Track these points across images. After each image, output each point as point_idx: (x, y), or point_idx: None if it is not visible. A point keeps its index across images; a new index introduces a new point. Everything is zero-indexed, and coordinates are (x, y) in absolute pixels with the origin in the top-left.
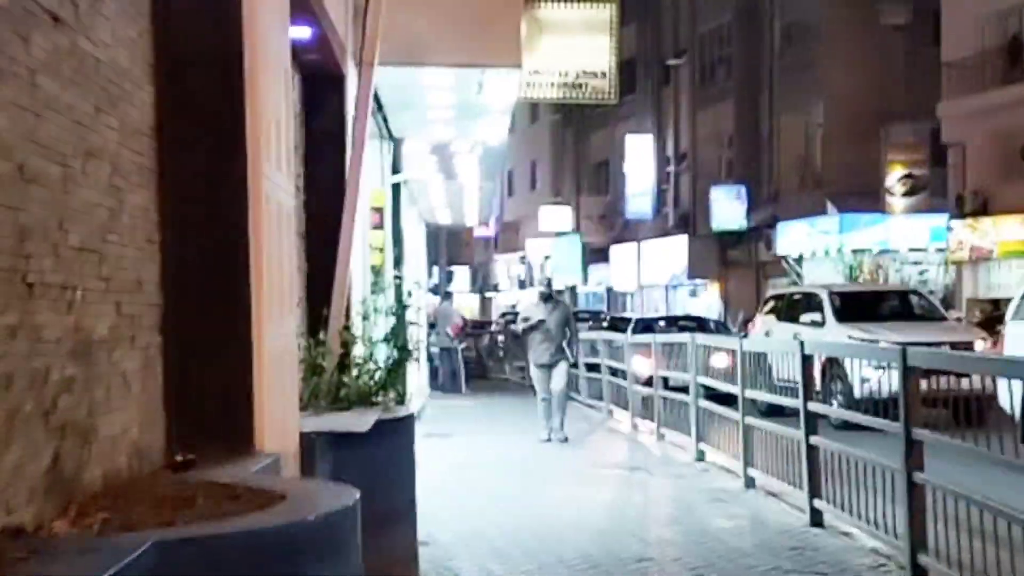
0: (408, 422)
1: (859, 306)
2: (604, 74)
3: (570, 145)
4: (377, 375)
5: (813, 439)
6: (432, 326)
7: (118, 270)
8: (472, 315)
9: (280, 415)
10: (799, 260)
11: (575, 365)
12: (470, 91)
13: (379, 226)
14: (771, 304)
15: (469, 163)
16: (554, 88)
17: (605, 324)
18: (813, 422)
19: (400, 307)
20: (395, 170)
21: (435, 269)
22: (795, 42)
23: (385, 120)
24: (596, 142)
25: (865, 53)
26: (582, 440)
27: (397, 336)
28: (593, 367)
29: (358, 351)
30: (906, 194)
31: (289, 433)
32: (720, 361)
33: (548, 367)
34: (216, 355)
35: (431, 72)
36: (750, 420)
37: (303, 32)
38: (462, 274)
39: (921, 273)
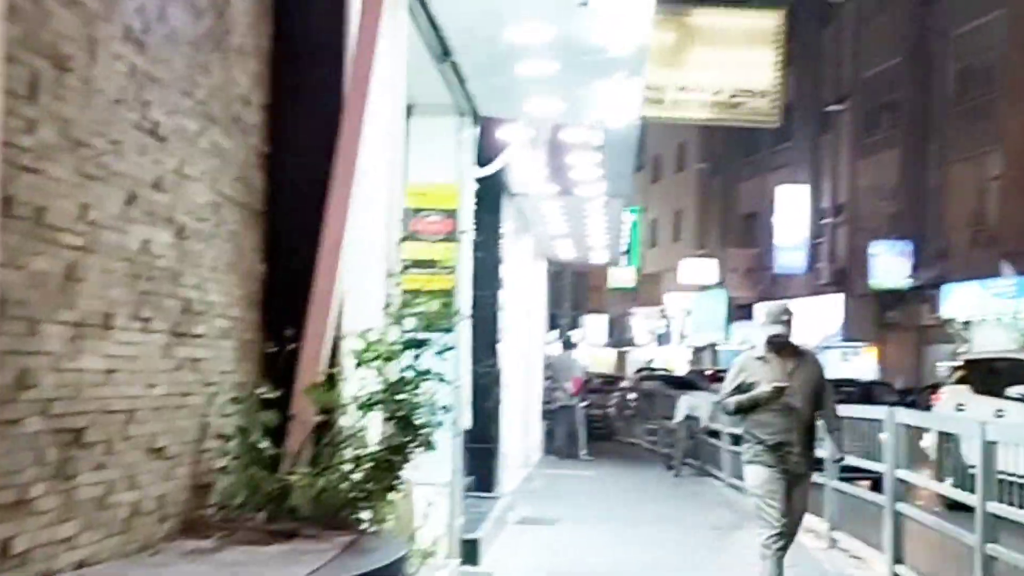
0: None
1: None
2: (766, 93)
3: (718, 195)
4: (362, 469)
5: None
6: (549, 379)
7: None
8: (608, 369)
9: None
10: (966, 325)
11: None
12: (571, 18)
13: (451, 236)
14: (964, 371)
15: (588, 161)
16: (705, 107)
17: None
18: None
19: (412, 345)
20: (482, 162)
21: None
22: (971, 87)
23: (461, 81)
24: (746, 192)
25: None
26: (731, 538)
27: (397, 399)
28: (737, 439)
29: (348, 421)
30: None
31: None
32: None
33: (787, 474)
34: None
35: None
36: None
37: None
38: (597, 324)
39: None
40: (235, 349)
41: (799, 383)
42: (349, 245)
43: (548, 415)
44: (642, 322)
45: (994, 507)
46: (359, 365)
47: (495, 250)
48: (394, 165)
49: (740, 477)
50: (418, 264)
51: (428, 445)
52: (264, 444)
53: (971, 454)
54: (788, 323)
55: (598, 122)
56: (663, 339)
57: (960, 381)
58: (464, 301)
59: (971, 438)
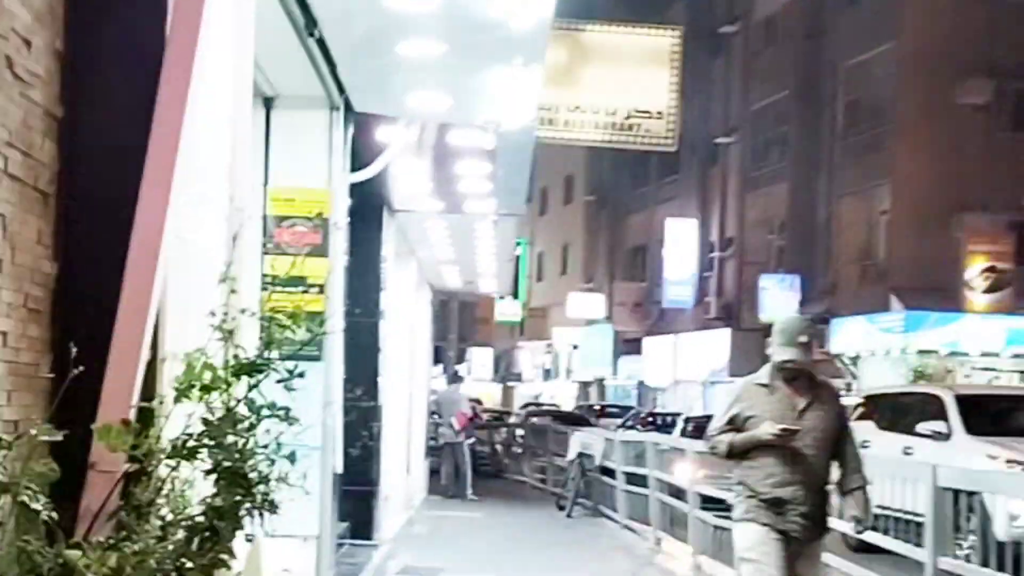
0: None
1: (995, 414)
2: (662, 114)
3: (605, 228)
4: (174, 540)
5: None
6: (434, 415)
7: None
8: (494, 404)
9: None
10: (855, 360)
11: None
12: None
13: (320, 249)
14: (867, 407)
15: (478, 173)
16: (599, 129)
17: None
18: None
19: (247, 371)
20: (358, 167)
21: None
22: (860, 121)
23: (331, 64)
24: (634, 225)
25: (938, 135)
26: None
27: (223, 445)
28: (632, 478)
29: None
30: (988, 290)
31: None
32: None
33: (788, 539)
34: None
35: None
36: None
37: None
38: (482, 358)
39: (990, 381)
40: (6, 375)
41: (812, 424)
42: (174, 246)
43: (433, 452)
44: (528, 356)
45: (948, 563)
46: (179, 398)
47: (375, 274)
48: (239, 157)
49: (636, 519)
50: (281, 282)
51: (269, 506)
52: (40, 504)
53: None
54: (807, 347)
55: (490, 122)
56: (550, 374)
57: (863, 417)
58: (336, 326)
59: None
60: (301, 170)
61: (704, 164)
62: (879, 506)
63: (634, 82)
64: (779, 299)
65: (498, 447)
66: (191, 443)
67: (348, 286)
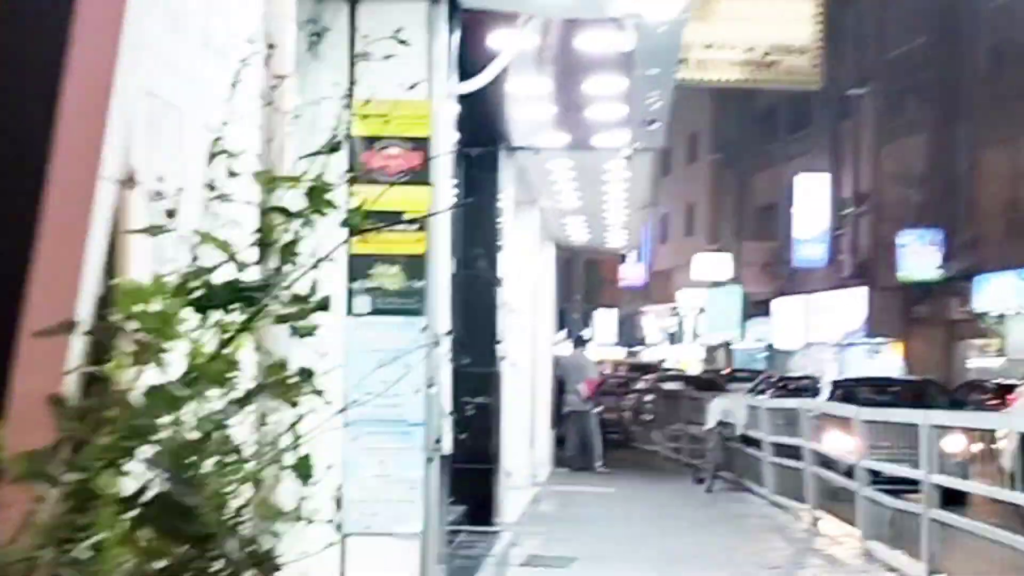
0: None
1: None
2: (805, 50)
3: (732, 187)
4: None
5: None
6: (561, 382)
7: None
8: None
9: None
10: (1000, 319)
11: None
12: None
13: (421, 176)
14: None
15: (612, 90)
16: (736, 67)
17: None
18: None
19: (215, 300)
20: (465, 74)
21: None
22: (1006, 65)
23: None
24: (761, 183)
25: None
26: None
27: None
28: (781, 449)
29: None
30: None
31: None
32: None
33: None
34: None
35: None
36: None
37: None
38: (607, 321)
39: None
40: None
41: None
42: (141, 106)
43: (558, 422)
44: (654, 320)
45: None
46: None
47: (492, 223)
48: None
49: (786, 494)
50: (373, 215)
51: (267, 567)
52: None
53: None
54: None
55: (629, 15)
56: (675, 338)
57: None
58: (442, 272)
59: None
60: (395, 80)
61: (836, 117)
62: None
63: (774, 14)
64: (919, 255)
65: (626, 415)
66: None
67: (462, 236)
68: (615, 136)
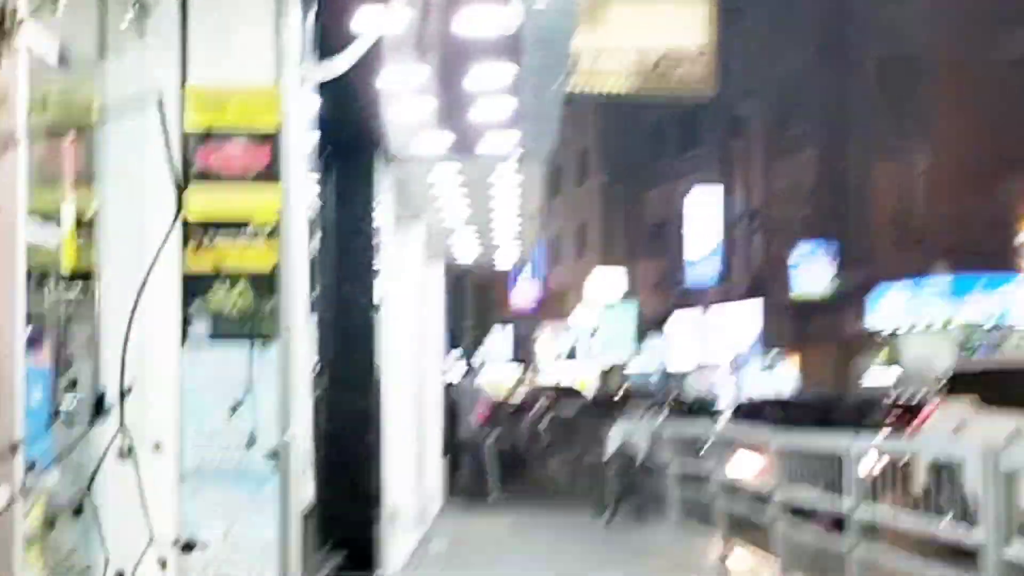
0: None
1: None
2: (697, 58)
3: (623, 205)
4: None
5: None
6: (453, 409)
7: None
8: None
9: None
10: (893, 335)
11: None
12: None
13: (269, 174)
14: (966, 381)
15: (496, 87)
16: (628, 77)
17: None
18: None
19: None
20: (324, 53)
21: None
22: (892, 79)
23: None
24: (653, 201)
25: (978, 88)
26: None
27: None
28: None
29: None
30: None
31: None
32: None
33: None
34: None
35: None
36: None
37: None
38: (502, 337)
39: None
40: None
41: None
42: None
43: (452, 450)
44: (548, 340)
45: None
46: None
47: (367, 238)
48: None
49: (692, 523)
50: (213, 224)
51: None
52: None
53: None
54: None
55: None
56: (570, 357)
57: (955, 392)
58: (297, 290)
59: None
60: (236, 62)
61: (725, 133)
62: None
63: (665, 20)
64: (812, 270)
65: (522, 441)
66: None
67: (333, 255)
68: (503, 138)
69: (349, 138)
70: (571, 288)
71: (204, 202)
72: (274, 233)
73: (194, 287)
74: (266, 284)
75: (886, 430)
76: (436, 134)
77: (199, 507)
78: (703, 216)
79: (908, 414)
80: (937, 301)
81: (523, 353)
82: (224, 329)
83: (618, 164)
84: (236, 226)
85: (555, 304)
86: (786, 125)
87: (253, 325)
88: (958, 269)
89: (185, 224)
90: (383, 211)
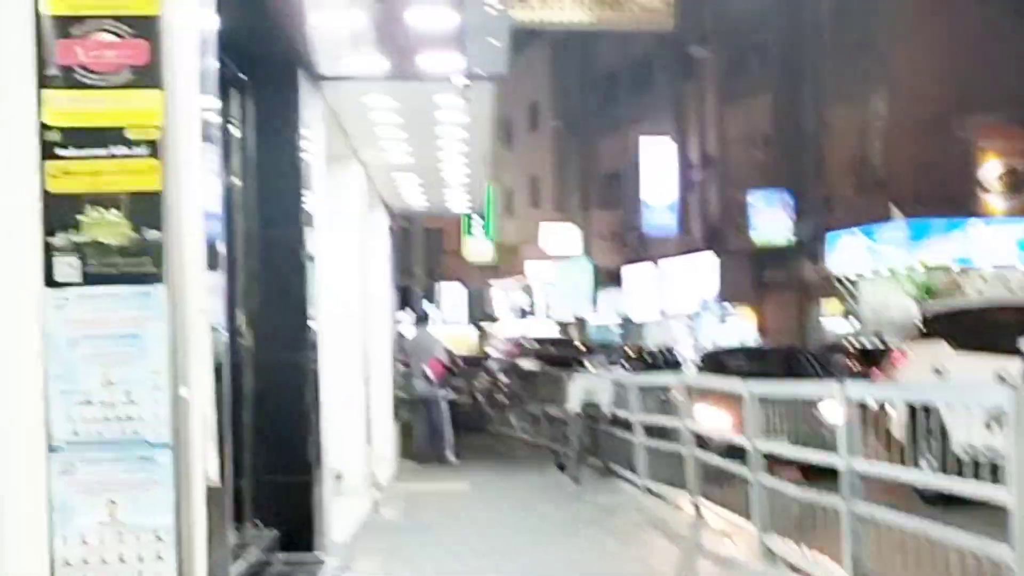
0: None
1: None
2: None
3: (576, 155)
4: None
5: None
6: (406, 366)
7: None
8: (469, 351)
9: None
10: (854, 282)
11: None
12: None
13: (149, 74)
14: (940, 324)
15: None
16: (582, 8)
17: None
18: None
19: None
20: None
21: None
22: (847, 21)
23: None
24: (607, 150)
25: (935, 30)
26: None
27: None
28: (654, 429)
29: None
30: (1008, 191)
31: None
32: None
33: None
34: None
35: None
36: None
37: None
38: (454, 296)
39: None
40: None
41: None
42: None
43: (404, 409)
44: (503, 296)
45: None
46: None
47: (293, 168)
48: None
49: (661, 480)
50: (79, 134)
51: None
52: None
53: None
54: None
55: None
56: (526, 313)
57: (932, 335)
58: (190, 218)
59: None
60: None
61: (678, 78)
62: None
63: None
64: (770, 218)
65: (480, 397)
66: None
67: (256, 193)
68: (446, 59)
69: (266, 50)
70: (526, 242)
71: (66, 105)
72: (153, 150)
73: (60, 214)
74: (149, 210)
75: (860, 377)
76: (369, 53)
77: (73, 487)
78: (658, 165)
79: (874, 360)
80: (896, 247)
81: (479, 306)
82: (99, 267)
83: (570, 112)
84: (108, 135)
85: (511, 258)
86: (740, 70)
87: (134, 261)
88: (918, 214)
89: (44, 130)
90: (313, 145)
